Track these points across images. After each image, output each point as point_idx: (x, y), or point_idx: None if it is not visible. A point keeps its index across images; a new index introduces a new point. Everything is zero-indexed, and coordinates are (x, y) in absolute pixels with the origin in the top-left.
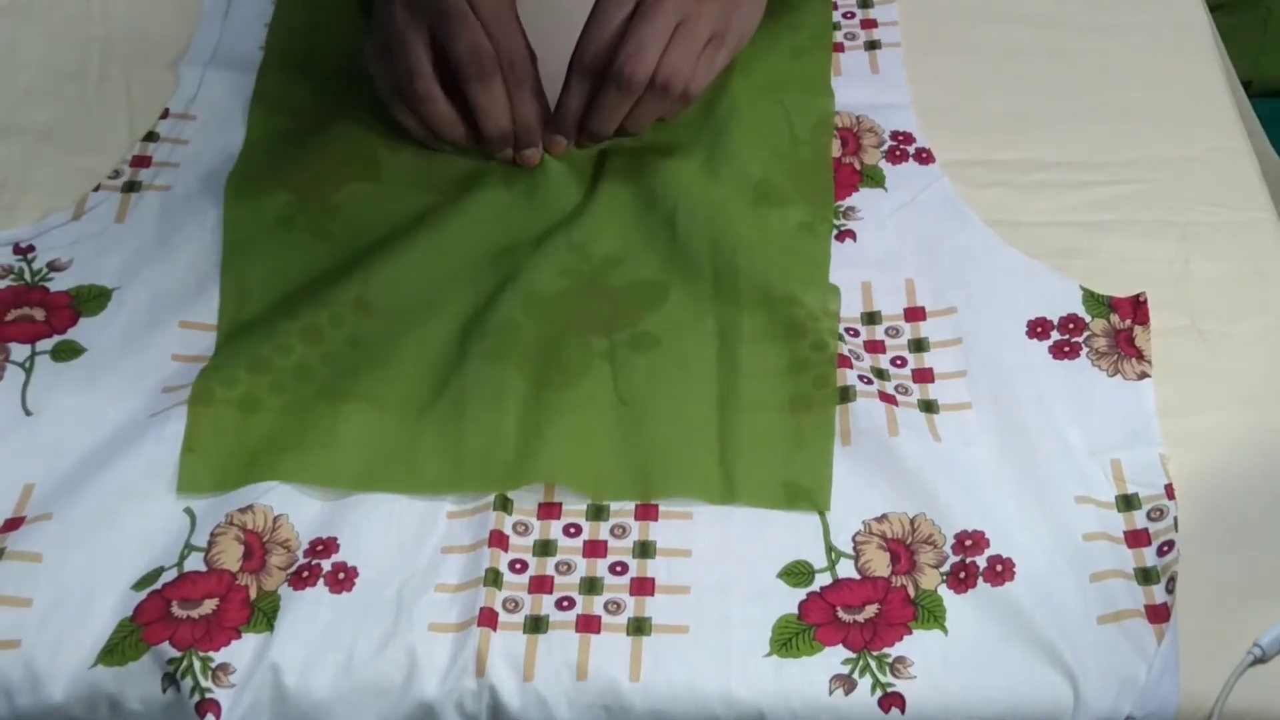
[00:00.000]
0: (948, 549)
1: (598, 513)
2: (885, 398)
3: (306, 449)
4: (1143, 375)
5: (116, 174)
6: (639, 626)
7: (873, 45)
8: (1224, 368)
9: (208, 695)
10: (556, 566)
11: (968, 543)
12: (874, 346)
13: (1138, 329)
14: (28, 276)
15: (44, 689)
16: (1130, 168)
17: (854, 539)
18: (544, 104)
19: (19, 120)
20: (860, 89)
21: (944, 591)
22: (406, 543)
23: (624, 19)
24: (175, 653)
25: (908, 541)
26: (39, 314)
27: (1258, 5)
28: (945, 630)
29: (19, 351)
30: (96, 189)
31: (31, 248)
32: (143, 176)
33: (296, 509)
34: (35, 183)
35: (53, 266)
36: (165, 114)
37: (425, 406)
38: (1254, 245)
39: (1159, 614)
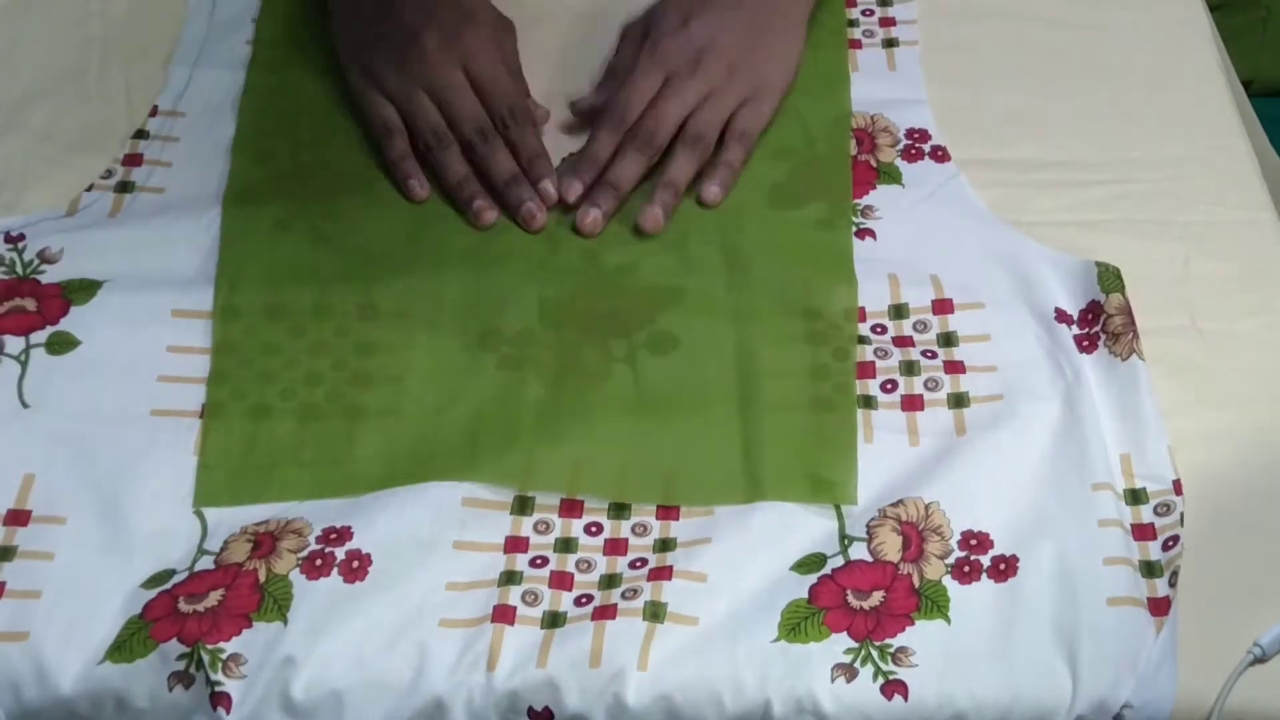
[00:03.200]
0: (953, 543)
1: (619, 511)
2: (910, 403)
3: (325, 465)
4: None
5: (109, 173)
6: (654, 612)
7: (890, 43)
8: (1224, 367)
9: (218, 688)
10: (577, 564)
11: (973, 542)
12: (903, 341)
13: None
14: (19, 269)
15: (51, 682)
16: (1130, 167)
17: (868, 524)
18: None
19: (18, 119)
20: (877, 85)
21: (948, 581)
22: (420, 538)
23: (653, 93)
24: (184, 648)
25: (920, 526)
26: (30, 304)
27: (1258, 5)
28: (948, 620)
29: (13, 344)
30: (90, 188)
31: (22, 236)
32: (135, 176)
33: (314, 506)
34: (35, 181)
35: (43, 257)
36: (154, 111)
37: (440, 414)
38: (1254, 245)
39: (1160, 607)
